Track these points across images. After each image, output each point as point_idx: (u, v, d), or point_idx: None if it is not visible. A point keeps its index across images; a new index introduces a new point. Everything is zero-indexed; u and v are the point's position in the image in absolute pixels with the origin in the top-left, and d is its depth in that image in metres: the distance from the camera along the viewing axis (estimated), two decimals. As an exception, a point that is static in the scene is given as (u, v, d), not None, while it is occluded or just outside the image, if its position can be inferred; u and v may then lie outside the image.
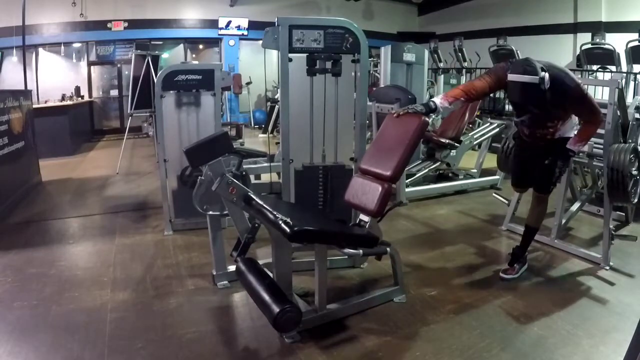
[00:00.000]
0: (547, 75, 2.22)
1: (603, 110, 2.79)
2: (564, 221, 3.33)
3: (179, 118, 3.50)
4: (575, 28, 8.35)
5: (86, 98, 9.37)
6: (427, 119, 2.35)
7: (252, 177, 3.66)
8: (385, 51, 4.77)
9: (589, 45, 7.06)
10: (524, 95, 2.32)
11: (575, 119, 2.62)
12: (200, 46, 11.08)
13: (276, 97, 8.50)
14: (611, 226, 2.97)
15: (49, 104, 7.58)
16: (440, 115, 3.19)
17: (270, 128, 8.65)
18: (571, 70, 2.56)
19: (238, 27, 10.22)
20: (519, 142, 2.87)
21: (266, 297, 2.03)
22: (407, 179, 4.52)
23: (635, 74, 6.39)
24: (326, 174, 2.79)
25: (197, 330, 2.20)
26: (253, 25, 10.15)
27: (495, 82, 2.45)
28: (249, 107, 10.62)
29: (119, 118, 9.97)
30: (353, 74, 2.80)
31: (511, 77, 2.29)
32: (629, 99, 4.78)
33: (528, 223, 2.89)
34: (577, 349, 2.05)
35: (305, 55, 2.67)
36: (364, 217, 2.33)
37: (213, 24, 10.23)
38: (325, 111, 2.77)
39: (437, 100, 2.44)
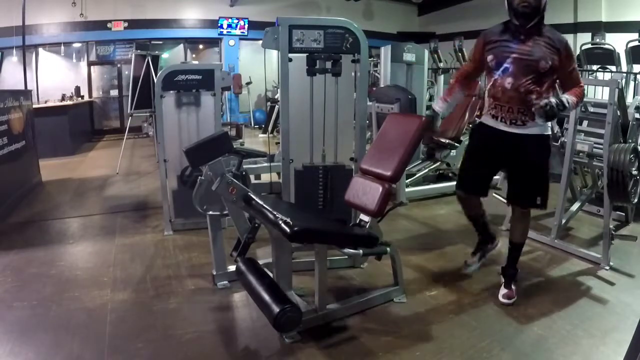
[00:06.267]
0: None
1: (602, 110, 2.78)
2: (564, 221, 3.33)
3: (179, 118, 3.50)
4: (575, 28, 8.34)
5: (86, 98, 9.37)
6: (427, 118, 2.37)
7: (252, 177, 3.67)
8: (385, 51, 4.76)
9: (589, 45, 7.05)
10: None
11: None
12: (200, 46, 11.09)
13: (276, 97, 8.50)
14: (611, 226, 2.97)
15: (49, 104, 7.59)
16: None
17: (270, 128, 8.65)
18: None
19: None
20: (477, 136, 2.55)
21: (266, 297, 2.03)
22: (407, 179, 4.52)
23: (635, 74, 6.38)
24: (326, 174, 2.79)
25: (197, 330, 2.19)
26: (253, 25, 10.15)
27: (479, 53, 2.42)
28: (249, 107, 10.62)
29: (119, 118, 9.97)
30: (353, 74, 2.80)
31: None
32: (629, 99, 4.78)
33: (513, 239, 2.52)
34: (577, 349, 2.05)
35: (305, 55, 2.67)
36: (364, 217, 2.33)
37: (213, 24, 10.23)
38: (325, 111, 2.77)
39: (436, 106, 2.54)
